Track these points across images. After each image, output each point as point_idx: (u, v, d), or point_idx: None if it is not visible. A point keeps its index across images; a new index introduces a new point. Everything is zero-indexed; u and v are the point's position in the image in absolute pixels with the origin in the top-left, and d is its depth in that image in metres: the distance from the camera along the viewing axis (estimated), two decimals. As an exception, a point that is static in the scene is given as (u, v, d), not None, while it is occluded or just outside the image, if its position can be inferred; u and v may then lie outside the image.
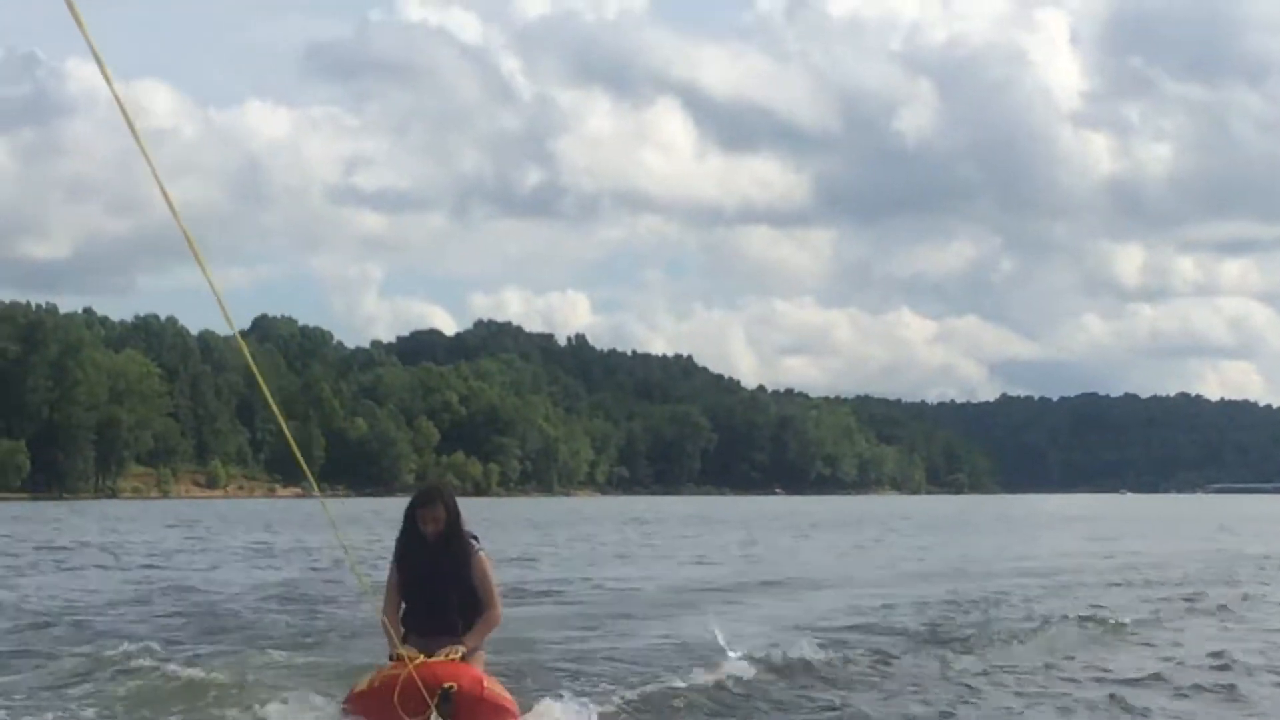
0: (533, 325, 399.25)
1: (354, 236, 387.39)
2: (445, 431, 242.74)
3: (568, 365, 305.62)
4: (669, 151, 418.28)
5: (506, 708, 12.74)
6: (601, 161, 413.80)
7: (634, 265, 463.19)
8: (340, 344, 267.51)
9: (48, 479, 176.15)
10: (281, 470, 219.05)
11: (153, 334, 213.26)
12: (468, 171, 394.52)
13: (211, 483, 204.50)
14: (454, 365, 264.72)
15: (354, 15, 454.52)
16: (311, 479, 13.51)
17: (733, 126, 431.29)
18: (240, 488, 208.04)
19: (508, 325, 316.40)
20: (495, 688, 12.75)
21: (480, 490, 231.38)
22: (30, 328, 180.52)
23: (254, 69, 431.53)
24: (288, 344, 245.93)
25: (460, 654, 12.81)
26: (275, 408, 13.67)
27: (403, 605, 13.39)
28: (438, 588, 13.10)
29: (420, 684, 12.19)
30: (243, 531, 65.37)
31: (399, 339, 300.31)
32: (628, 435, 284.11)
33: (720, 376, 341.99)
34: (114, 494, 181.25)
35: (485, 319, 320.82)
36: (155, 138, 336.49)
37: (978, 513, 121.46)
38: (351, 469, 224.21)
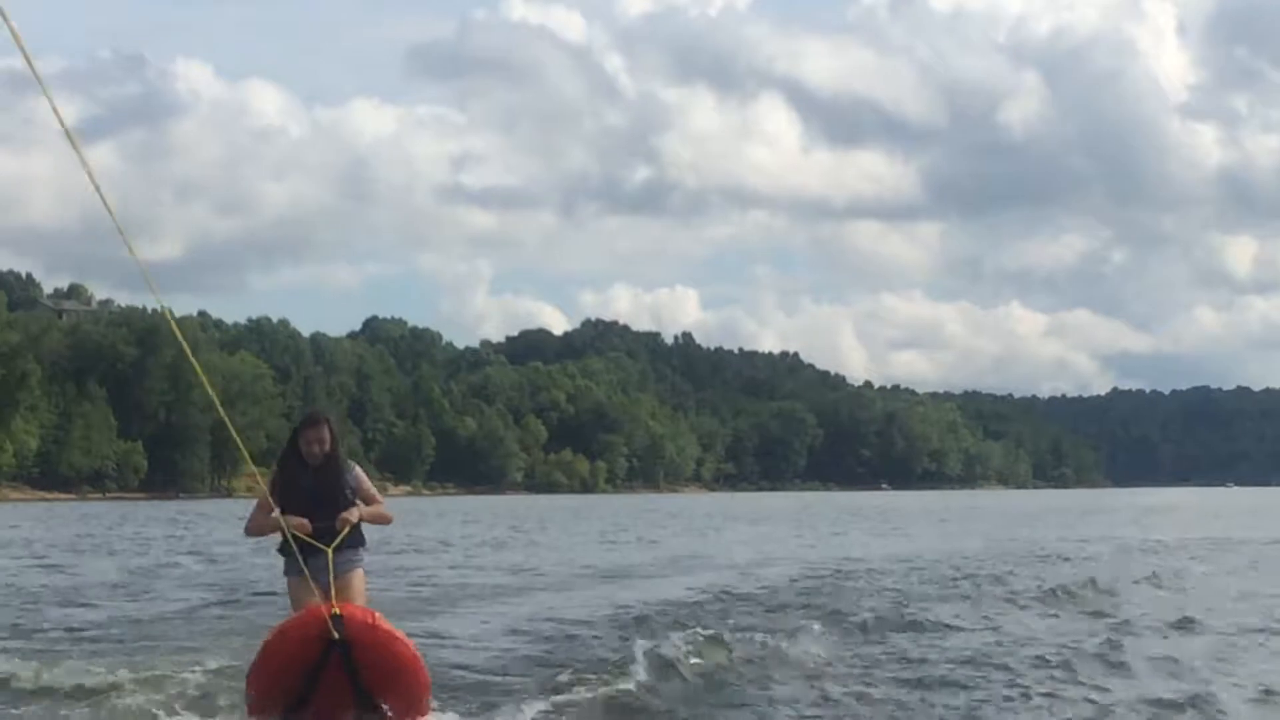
0: (641, 322, 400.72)
1: (462, 235, 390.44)
2: (553, 430, 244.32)
3: (674, 363, 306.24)
4: (775, 146, 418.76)
5: (398, 635, 12.63)
6: (707, 157, 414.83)
7: (742, 261, 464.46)
8: (449, 344, 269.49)
9: (165, 479, 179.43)
10: (393, 469, 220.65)
11: (265, 336, 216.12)
12: (574, 169, 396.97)
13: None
14: (561, 364, 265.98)
15: (457, 14, 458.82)
16: (257, 475, 13.26)
17: (838, 121, 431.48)
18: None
19: (614, 324, 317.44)
20: (386, 623, 12.64)
21: (587, 488, 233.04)
22: (147, 331, 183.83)
23: (360, 68, 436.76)
24: (397, 345, 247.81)
25: (356, 516, 13.17)
26: (210, 388, 13.71)
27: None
28: (324, 500, 13.18)
29: (318, 622, 12.19)
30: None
31: (507, 339, 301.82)
32: (734, 432, 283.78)
33: (826, 373, 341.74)
34: (229, 493, 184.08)
35: (593, 318, 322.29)
36: (262, 136, 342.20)
37: (1051, 505, 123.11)
38: (461, 468, 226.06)
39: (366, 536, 13.69)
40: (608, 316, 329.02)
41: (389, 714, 12.46)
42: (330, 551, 12.79)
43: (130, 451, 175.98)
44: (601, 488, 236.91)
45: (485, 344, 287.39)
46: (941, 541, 54.91)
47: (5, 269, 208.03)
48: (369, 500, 13.48)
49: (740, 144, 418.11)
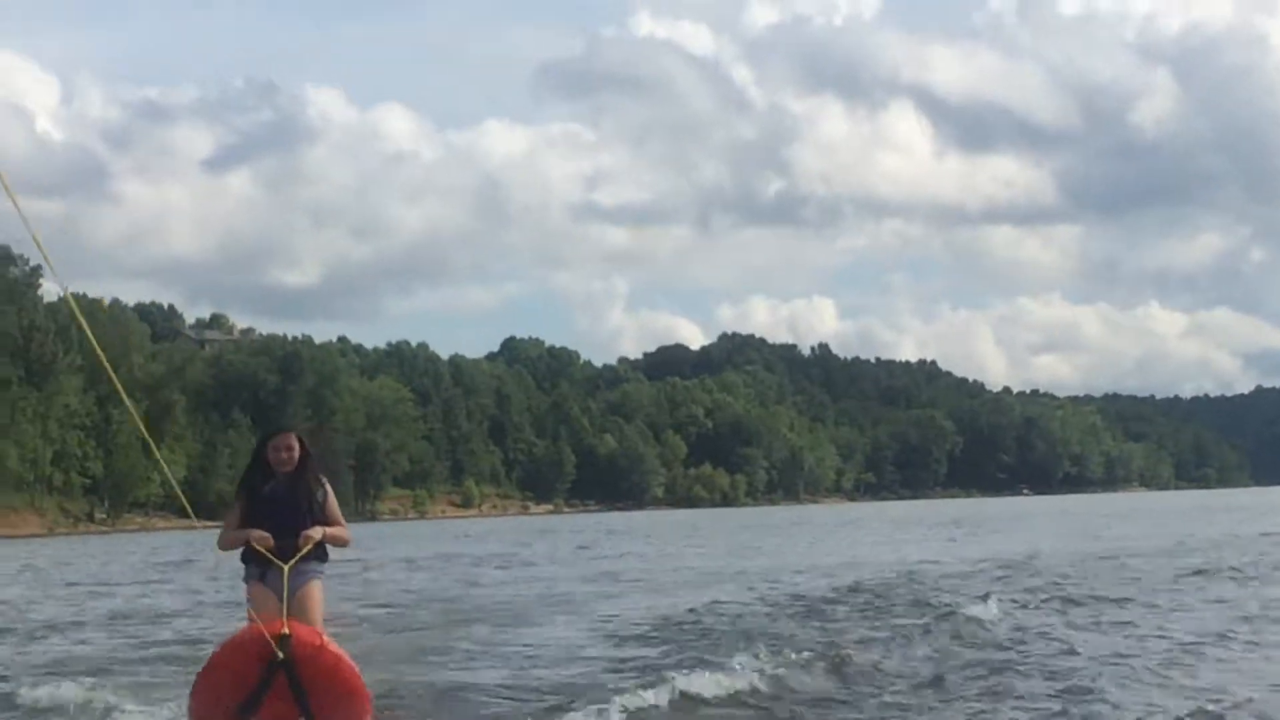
0: (778, 333, 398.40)
1: (597, 252, 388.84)
2: (692, 445, 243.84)
3: (812, 374, 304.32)
4: (906, 154, 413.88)
5: (348, 662, 12.59)
6: (839, 167, 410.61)
7: (878, 269, 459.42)
8: (587, 362, 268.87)
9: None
10: (534, 488, 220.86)
11: (405, 359, 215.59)
12: (707, 182, 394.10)
13: (466, 502, 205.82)
14: (699, 378, 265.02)
15: (585, 32, 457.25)
16: (185, 504, 11.96)
17: (970, 126, 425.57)
18: (494, 506, 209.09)
19: (751, 337, 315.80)
20: (334, 645, 12.64)
21: (728, 501, 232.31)
22: (288, 358, 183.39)
23: (490, 89, 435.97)
24: (535, 365, 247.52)
25: (319, 535, 12.98)
26: (116, 382, 13.73)
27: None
28: (290, 515, 12.99)
29: (264, 637, 12.18)
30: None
31: (645, 355, 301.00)
32: (873, 442, 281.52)
33: (964, 380, 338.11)
34: (373, 516, 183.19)
35: (729, 331, 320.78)
36: (395, 160, 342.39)
37: (1180, 505, 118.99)
38: (601, 485, 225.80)
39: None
40: (744, 329, 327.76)
41: None
42: (286, 569, 12.65)
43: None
44: (742, 501, 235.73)
45: (623, 361, 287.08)
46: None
47: (148, 300, 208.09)
48: (332, 519, 13.25)
49: (871, 152, 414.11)
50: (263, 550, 12.80)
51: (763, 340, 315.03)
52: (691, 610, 25.16)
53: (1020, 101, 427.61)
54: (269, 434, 13.40)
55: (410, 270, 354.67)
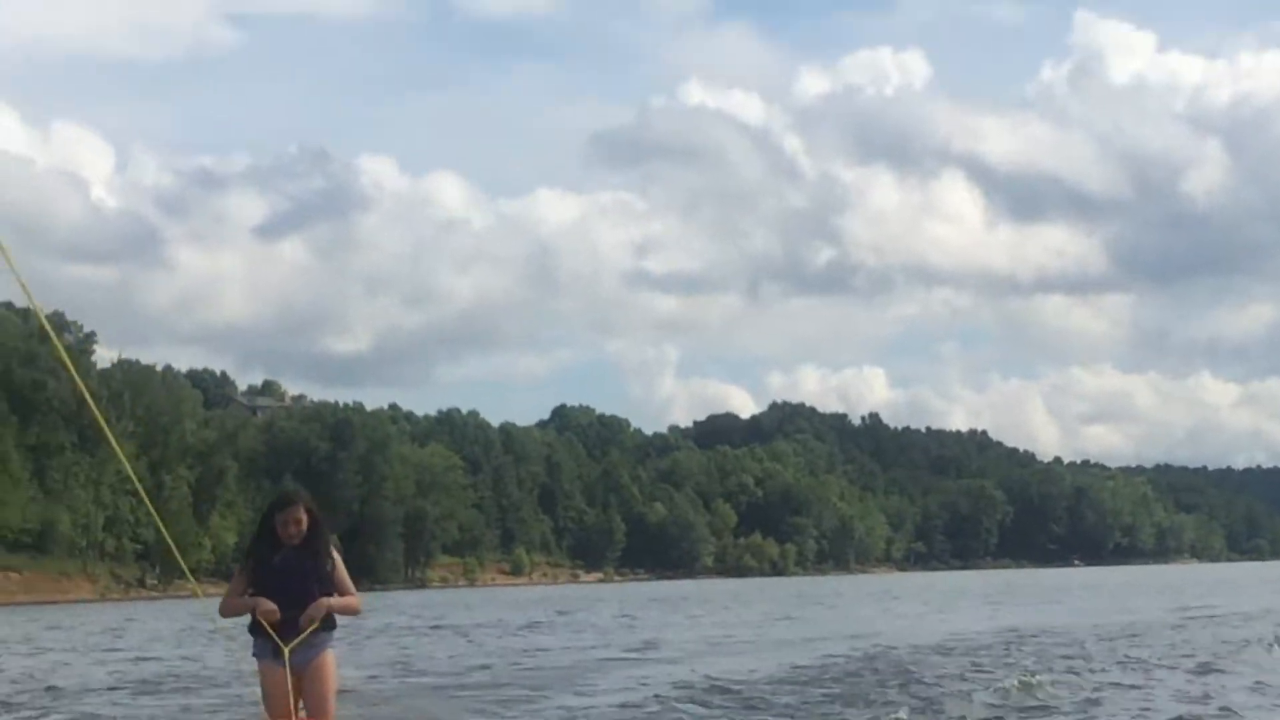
0: (829, 402, 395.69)
1: (648, 320, 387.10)
2: (742, 513, 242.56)
3: (862, 443, 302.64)
4: (957, 223, 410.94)
5: None
6: (889, 236, 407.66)
7: (929, 339, 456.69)
8: (638, 430, 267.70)
9: (359, 571, 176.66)
10: (584, 556, 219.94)
11: (455, 427, 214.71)
12: (757, 251, 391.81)
13: (516, 570, 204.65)
14: (749, 447, 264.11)
15: (636, 101, 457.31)
16: (189, 576, 12.43)
17: (1020, 196, 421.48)
18: (544, 574, 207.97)
19: (801, 406, 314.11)
20: None
21: (778, 570, 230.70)
22: (339, 425, 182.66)
23: (541, 158, 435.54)
24: (586, 432, 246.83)
25: (322, 613, 12.79)
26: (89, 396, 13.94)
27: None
28: (299, 587, 12.79)
29: None
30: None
31: (695, 423, 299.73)
32: (924, 511, 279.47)
33: (1015, 450, 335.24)
34: (423, 584, 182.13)
35: (780, 400, 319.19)
36: (447, 228, 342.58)
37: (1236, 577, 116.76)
38: (651, 553, 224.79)
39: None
40: (795, 398, 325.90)
41: None
42: (287, 652, 12.51)
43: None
44: (792, 570, 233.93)
45: (673, 429, 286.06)
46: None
47: (200, 367, 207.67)
48: (342, 590, 13.08)
49: (922, 222, 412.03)
50: (267, 628, 12.65)
51: (813, 409, 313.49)
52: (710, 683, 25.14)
53: (1071, 171, 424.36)
54: (277, 505, 13.12)
55: (461, 338, 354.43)
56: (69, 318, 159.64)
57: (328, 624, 13.00)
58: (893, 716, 19.80)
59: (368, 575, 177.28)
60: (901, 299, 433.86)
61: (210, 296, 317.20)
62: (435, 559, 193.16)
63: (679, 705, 22.46)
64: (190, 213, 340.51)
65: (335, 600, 12.96)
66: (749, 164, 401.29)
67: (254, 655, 13.01)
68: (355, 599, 13.22)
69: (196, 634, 52.68)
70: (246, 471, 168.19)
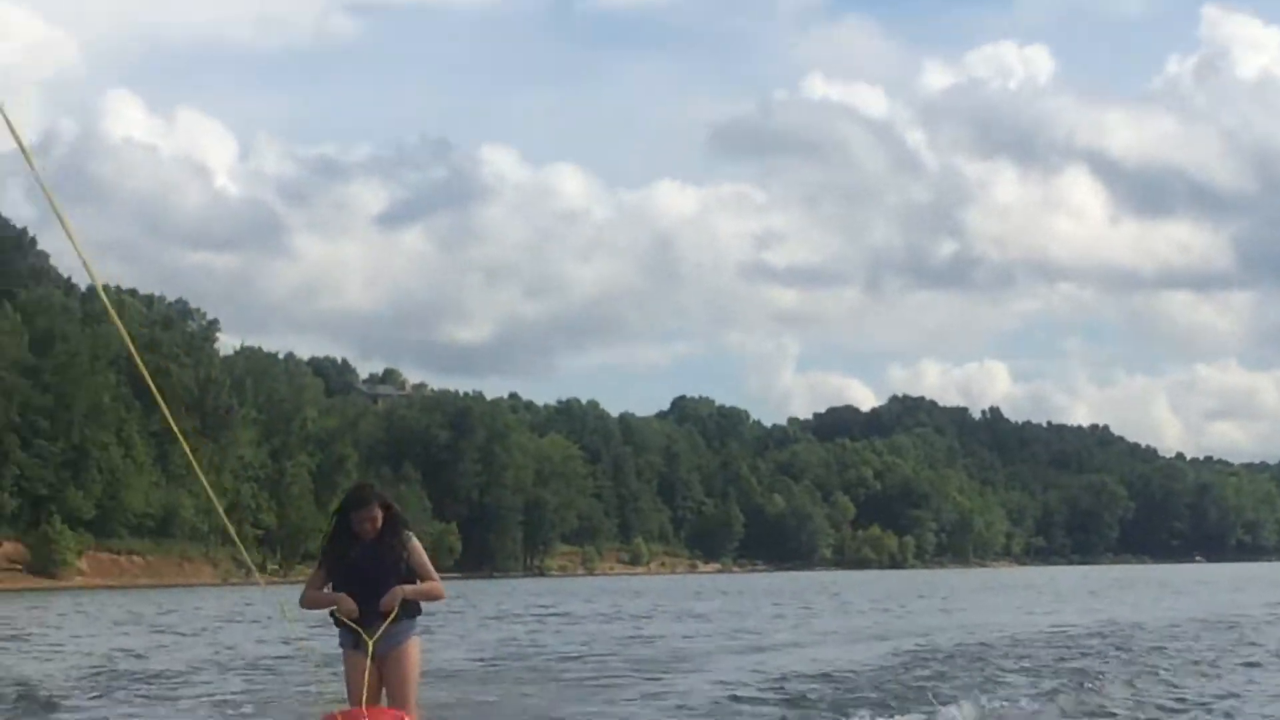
0: (949, 396, 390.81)
1: (767, 313, 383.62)
2: (861, 506, 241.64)
3: (982, 438, 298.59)
4: (1081, 218, 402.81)
5: None
6: (1012, 231, 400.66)
7: (1051, 334, 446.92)
8: (757, 422, 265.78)
9: (479, 559, 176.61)
10: (702, 547, 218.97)
11: (575, 417, 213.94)
12: (878, 244, 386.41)
13: (635, 560, 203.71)
14: (869, 440, 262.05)
15: (758, 94, 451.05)
16: (247, 558, 14.44)
17: (1145, 191, 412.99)
18: (662, 564, 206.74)
19: (922, 399, 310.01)
20: None
21: (896, 563, 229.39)
22: (459, 414, 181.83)
23: (661, 150, 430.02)
24: (705, 424, 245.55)
25: (399, 599, 12.71)
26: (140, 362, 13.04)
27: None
28: (377, 578, 12.76)
29: None
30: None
31: (814, 415, 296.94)
32: (1044, 506, 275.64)
33: (1137, 445, 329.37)
34: (542, 573, 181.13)
35: (900, 394, 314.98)
36: (568, 219, 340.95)
37: None
38: (770, 544, 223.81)
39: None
40: (915, 391, 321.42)
41: None
42: (371, 644, 12.59)
43: (445, 533, 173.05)
44: (910, 563, 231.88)
45: (793, 421, 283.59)
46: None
47: (322, 355, 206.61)
48: (423, 574, 13.10)
49: (1045, 216, 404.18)
50: (348, 623, 12.67)
51: (933, 403, 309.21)
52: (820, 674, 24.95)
53: (1196, 166, 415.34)
54: (351, 505, 13.08)
55: (581, 328, 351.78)
56: (192, 305, 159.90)
57: (410, 611, 12.88)
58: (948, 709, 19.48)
59: (487, 563, 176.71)
60: (1024, 293, 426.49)
61: (332, 284, 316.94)
62: (554, 548, 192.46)
63: (752, 696, 22.22)
64: (312, 201, 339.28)
65: (411, 587, 12.85)
66: (871, 157, 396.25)
67: (339, 646, 12.98)
68: (437, 584, 13.13)
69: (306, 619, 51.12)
70: (367, 459, 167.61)
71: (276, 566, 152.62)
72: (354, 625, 12.67)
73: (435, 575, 13.16)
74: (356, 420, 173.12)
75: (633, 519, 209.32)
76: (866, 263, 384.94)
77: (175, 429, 13.15)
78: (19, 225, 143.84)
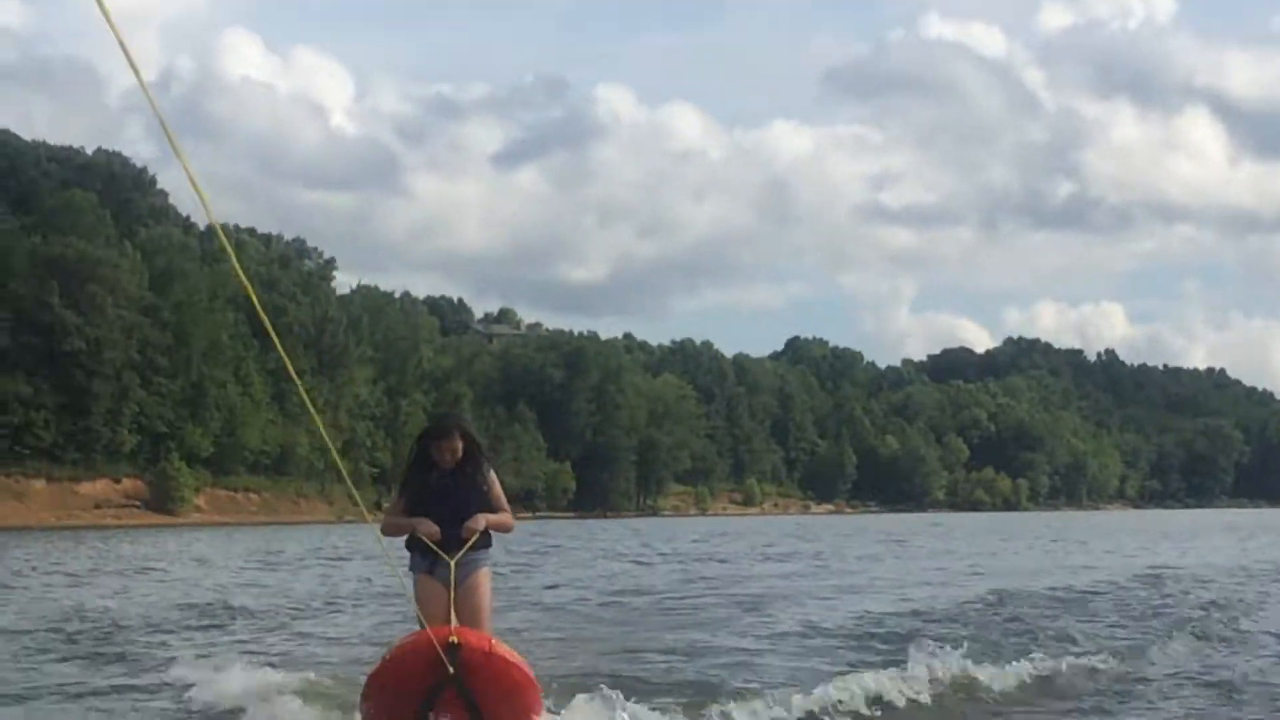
0: (1065, 338, 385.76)
1: (883, 253, 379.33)
2: (975, 448, 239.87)
3: (1097, 380, 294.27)
4: (1200, 159, 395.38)
5: (516, 664, 12.14)
6: (1130, 172, 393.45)
7: (1169, 276, 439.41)
8: (871, 363, 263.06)
9: (592, 499, 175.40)
10: (815, 487, 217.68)
11: (689, 357, 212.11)
12: (995, 185, 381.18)
13: (748, 500, 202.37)
14: (983, 382, 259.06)
15: (873, 34, 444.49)
16: (357, 496, 12.79)
17: (1266, 132, 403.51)
18: (775, 505, 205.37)
19: (1037, 341, 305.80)
20: (502, 648, 12.19)
21: (1010, 505, 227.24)
22: (574, 354, 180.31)
23: (777, 90, 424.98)
24: (819, 365, 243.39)
25: (482, 524, 12.70)
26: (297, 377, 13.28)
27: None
28: (457, 505, 12.74)
29: (433, 642, 11.67)
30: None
31: (929, 357, 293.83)
32: (1159, 449, 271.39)
33: (1253, 389, 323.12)
34: (655, 512, 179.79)
35: (1015, 335, 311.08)
36: (683, 158, 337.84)
37: None
38: (882, 486, 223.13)
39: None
40: (1030, 333, 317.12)
41: None
42: (453, 565, 12.50)
43: (559, 472, 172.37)
44: (1024, 505, 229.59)
45: (907, 363, 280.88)
46: None
47: (438, 294, 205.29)
48: (497, 506, 12.94)
49: (1164, 157, 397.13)
50: (430, 544, 12.63)
51: (1048, 345, 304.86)
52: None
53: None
54: (431, 435, 12.95)
55: (696, 268, 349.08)
56: (309, 244, 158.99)
57: (484, 542, 12.88)
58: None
59: (600, 503, 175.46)
60: (1141, 234, 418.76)
61: (448, 224, 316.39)
62: (667, 488, 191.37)
63: (833, 629, 22.28)
64: (428, 141, 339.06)
65: (492, 516, 12.86)
66: (988, 97, 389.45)
67: (409, 570, 12.85)
68: (509, 516, 13.14)
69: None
70: (481, 398, 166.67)
71: (390, 505, 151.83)
72: (435, 548, 12.59)
73: (508, 508, 13.12)
74: (471, 359, 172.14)
75: (746, 459, 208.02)
76: (982, 203, 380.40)
77: (289, 368, 12.09)
78: (139, 164, 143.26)
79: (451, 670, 11.68)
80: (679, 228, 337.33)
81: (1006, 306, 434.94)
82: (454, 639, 11.71)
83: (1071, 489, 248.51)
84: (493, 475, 12.99)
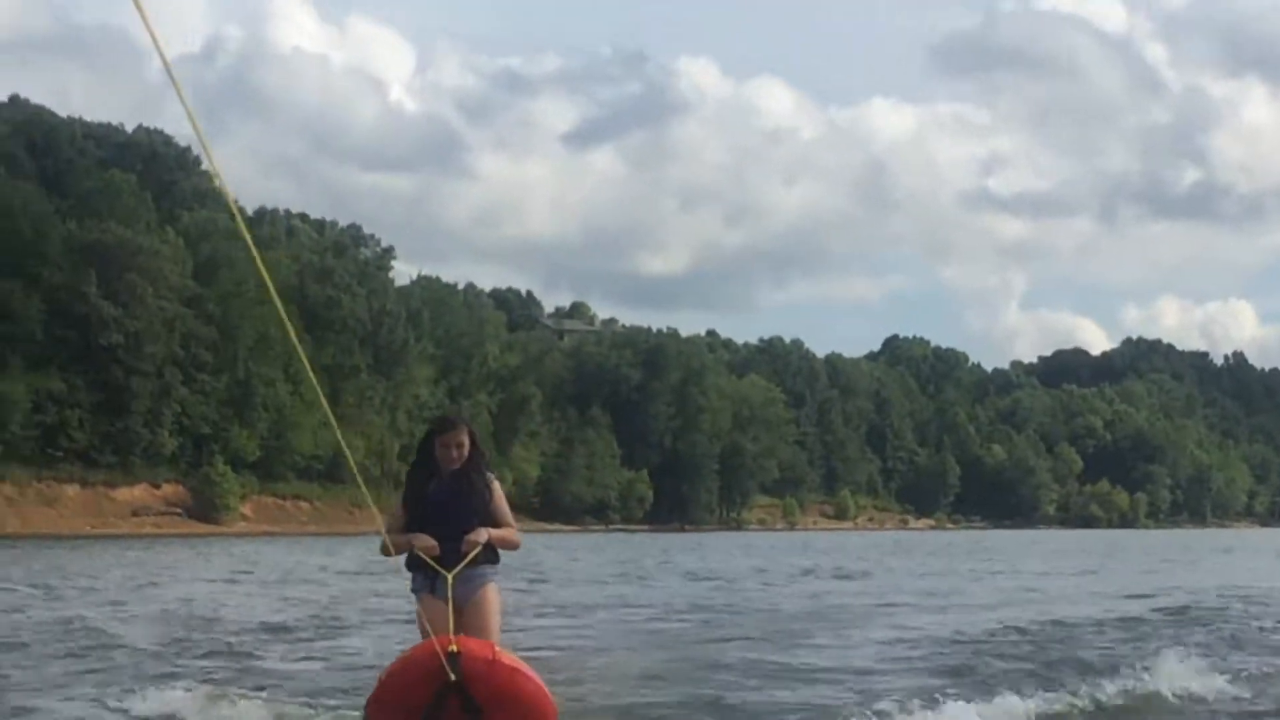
0: (1189, 338, 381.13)
1: (990, 244, 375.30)
2: (1089, 459, 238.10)
3: (1224, 386, 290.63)
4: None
5: (524, 673, 12.23)
6: (1262, 157, 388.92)
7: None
8: (976, 365, 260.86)
9: (670, 510, 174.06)
10: (914, 500, 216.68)
11: (778, 357, 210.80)
12: (1114, 170, 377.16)
13: (840, 514, 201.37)
14: (1098, 387, 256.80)
15: (982, 6, 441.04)
16: (360, 482, 12.89)
17: None
18: (870, 519, 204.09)
19: (1158, 343, 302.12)
20: (508, 655, 12.29)
21: (1127, 521, 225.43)
22: (652, 352, 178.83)
23: (875, 65, 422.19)
24: (919, 366, 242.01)
25: (485, 537, 12.78)
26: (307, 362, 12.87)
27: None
28: (458, 517, 12.83)
29: (437, 649, 11.79)
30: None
31: (1040, 359, 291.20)
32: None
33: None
34: (739, 526, 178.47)
35: (1134, 336, 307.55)
36: (772, 138, 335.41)
37: None
38: (988, 499, 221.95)
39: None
40: (1151, 334, 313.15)
41: None
42: (450, 578, 12.64)
43: (635, 481, 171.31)
44: (1142, 522, 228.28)
45: (1015, 365, 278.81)
46: None
47: (504, 286, 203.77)
48: (501, 521, 13.09)
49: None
50: (428, 559, 12.77)
51: (1170, 346, 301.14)
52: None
53: None
54: (438, 428, 13.24)
55: (785, 259, 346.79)
56: (365, 230, 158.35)
57: (489, 557, 13.00)
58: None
59: (679, 515, 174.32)
60: (1273, 226, 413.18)
61: (515, 209, 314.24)
62: (752, 499, 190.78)
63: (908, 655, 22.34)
64: (495, 118, 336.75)
65: (496, 530, 13.00)
66: (1107, 75, 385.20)
67: (412, 590, 13.07)
68: (514, 532, 13.27)
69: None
70: (551, 400, 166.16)
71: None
72: (433, 563, 12.72)
73: (512, 522, 13.28)
74: (541, 357, 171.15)
75: (839, 469, 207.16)
76: (1100, 191, 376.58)
77: (305, 362, 12.62)
78: (182, 143, 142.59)
79: (454, 677, 11.82)
80: (767, 214, 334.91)
81: (1125, 304, 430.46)
82: (454, 647, 11.89)
83: (1194, 505, 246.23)
84: (496, 485, 13.16)
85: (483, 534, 12.81)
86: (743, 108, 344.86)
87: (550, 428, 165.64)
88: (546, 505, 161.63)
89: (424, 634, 12.51)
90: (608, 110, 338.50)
